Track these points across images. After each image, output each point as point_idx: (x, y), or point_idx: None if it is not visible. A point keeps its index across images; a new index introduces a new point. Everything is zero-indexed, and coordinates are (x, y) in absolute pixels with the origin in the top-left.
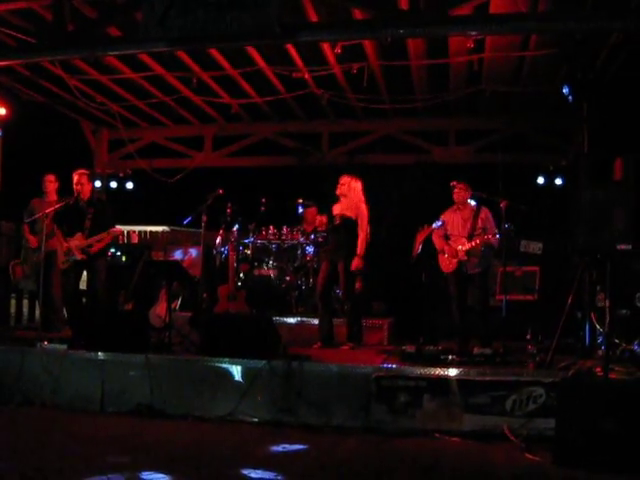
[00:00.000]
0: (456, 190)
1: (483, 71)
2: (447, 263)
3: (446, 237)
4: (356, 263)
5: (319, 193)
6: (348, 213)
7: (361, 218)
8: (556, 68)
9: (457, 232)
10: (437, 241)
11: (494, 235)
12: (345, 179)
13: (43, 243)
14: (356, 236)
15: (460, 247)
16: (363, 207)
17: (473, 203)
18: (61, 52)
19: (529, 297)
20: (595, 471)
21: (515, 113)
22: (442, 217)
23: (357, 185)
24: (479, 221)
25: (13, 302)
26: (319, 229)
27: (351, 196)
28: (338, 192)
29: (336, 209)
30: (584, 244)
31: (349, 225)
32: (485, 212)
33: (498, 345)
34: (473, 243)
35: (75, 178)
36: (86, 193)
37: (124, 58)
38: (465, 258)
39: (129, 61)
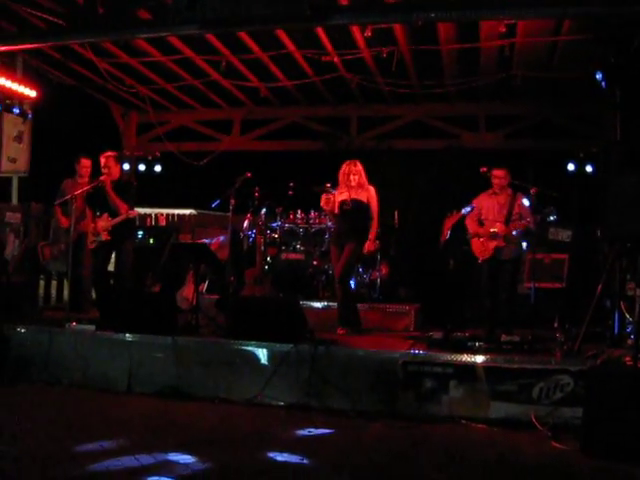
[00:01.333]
0: (495, 177)
1: (514, 56)
2: (482, 248)
3: (480, 222)
4: (370, 246)
5: None
6: (359, 196)
7: (373, 202)
8: (589, 53)
9: (492, 217)
10: (471, 225)
11: (534, 221)
12: (354, 168)
13: (73, 224)
14: (367, 220)
15: (496, 230)
16: (372, 189)
17: (510, 189)
18: (91, 35)
19: (557, 285)
20: (622, 461)
21: (546, 99)
22: (475, 201)
23: (356, 168)
24: (516, 206)
25: (42, 283)
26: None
27: (356, 180)
28: (356, 183)
29: (342, 195)
30: (615, 232)
31: (361, 209)
32: (521, 198)
33: (526, 332)
34: (512, 227)
35: (102, 161)
36: (114, 175)
37: (154, 41)
38: (503, 244)
39: (159, 44)
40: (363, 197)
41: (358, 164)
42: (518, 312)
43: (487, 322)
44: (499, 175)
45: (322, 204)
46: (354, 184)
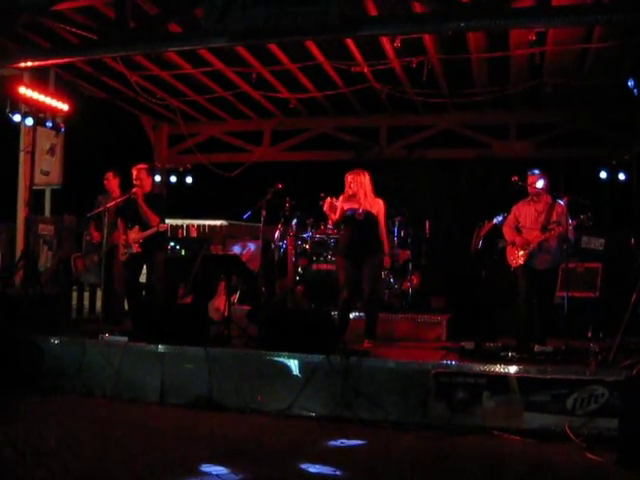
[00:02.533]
0: (528, 184)
1: (545, 64)
2: (515, 256)
3: (517, 230)
4: (389, 262)
5: (377, 188)
6: (370, 209)
7: (381, 215)
8: (621, 60)
9: (529, 224)
10: (508, 232)
11: (572, 228)
12: (350, 177)
13: (105, 238)
14: (377, 231)
15: (530, 239)
16: (380, 202)
17: (549, 197)
18: (122, 48)
19: (590, 294)
20: None
21: (577, 106)
22: (515, 208)
23: (365, 179)
24: (554, 214)
25: (75, 294)
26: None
27: (364, 191)
28: (350, 192)
29: (350, 204)
30: None
31: (372, 220)
32: (561, 206)
33: (559, 343)
34: (547, 234)
35: (134, 173)
36: (146, 187)
37: (184, 54)
38: (536, 250)
39: (189, 57)
40: (374, 210)
41: (362, 174)
42: (551, 322)
43: (521, 332)
44: (531, 181)
45: (325, 208)
46: (350, 193)
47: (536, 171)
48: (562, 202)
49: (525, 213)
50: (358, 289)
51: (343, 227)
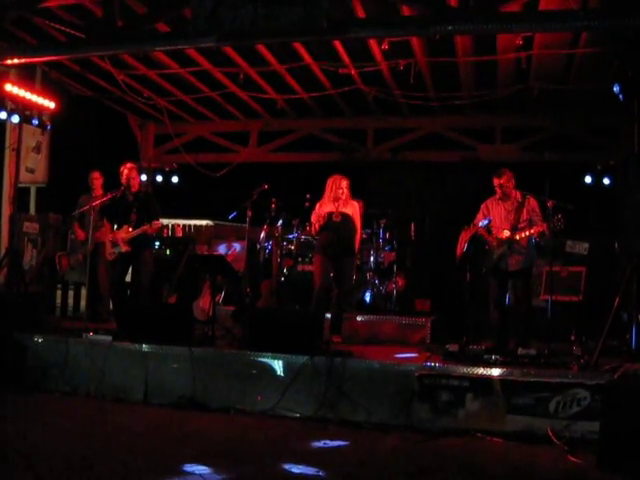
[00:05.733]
0: (495, 185)
1: (531, 68)
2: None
3: (488, 230)
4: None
5: (364, 189)
6: (346, 210)
7: (356, 217)
8: (606, 66)
9: (498, 224)
10: (481, 233)
11: (543, 225)
12: (344, 182)
13: (90, 236)
14: (353, 232)
15: (502, 237)
16: (355, 204)
17: (518, 193)
18: (110, 47)
19: (574, 298)
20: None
21: (563, 111)
22: (483, 206)
23: (347, 183)
24: (524, 212)
25: (59, 293)
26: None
27: (345, 194)
28: (344, 197)
29: (329, 207)
30: (632, 245)
31: (349, 222)
32: (532, 202)
33: (543, 346)
34: (518, 235)
35: (125, 172)
36: (135, 186)
37: (172, 53)
38: (507, 248)
39: (177, 56)
40: (349, 212)
41: (345, 179)
42: (534, 325)
43: (495, 334)
44: (498, 183)
45: (313, 220)
46: (343, 197)
47: (501, 171)
48: (535, 199)
49: (494, 211)
50: (331, 286)
51: (322, 228)
